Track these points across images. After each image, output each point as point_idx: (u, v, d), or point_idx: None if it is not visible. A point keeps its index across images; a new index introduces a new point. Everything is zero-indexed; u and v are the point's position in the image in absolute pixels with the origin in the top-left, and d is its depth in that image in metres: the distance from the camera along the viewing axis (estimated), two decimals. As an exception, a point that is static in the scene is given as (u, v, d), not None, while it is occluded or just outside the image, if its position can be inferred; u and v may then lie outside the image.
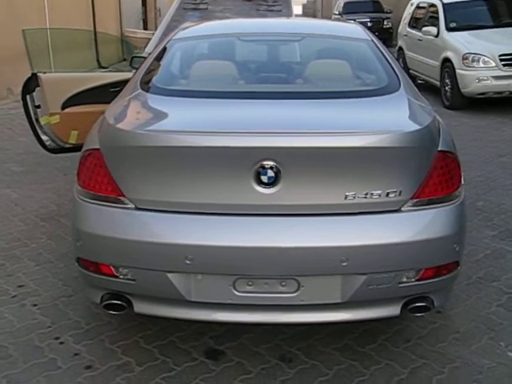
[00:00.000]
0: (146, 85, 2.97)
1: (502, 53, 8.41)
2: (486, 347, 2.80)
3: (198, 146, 2.30)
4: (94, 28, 12.61)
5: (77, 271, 2.67)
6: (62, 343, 2.84)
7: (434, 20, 10.10)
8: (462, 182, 2.57)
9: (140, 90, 2.90)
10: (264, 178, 2.28)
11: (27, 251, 3.87)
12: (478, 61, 8.55)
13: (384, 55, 3.23)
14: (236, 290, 2.38)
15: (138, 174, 2.38)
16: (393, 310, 2.50)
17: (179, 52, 3.48)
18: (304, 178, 2.31)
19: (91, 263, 2.49)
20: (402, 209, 2.38)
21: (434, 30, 9.76)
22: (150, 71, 3.14)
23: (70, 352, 2.77)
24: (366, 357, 2.73)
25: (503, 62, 8.38)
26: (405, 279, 2.40)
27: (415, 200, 2.38)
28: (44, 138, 4.68)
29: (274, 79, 3.27)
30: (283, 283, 2.37)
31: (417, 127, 2.44)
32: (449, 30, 9.49)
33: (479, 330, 2.94)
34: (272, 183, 2.29)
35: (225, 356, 2.75)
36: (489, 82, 8.44)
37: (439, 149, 2.47)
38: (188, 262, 2.30)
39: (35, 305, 3.19)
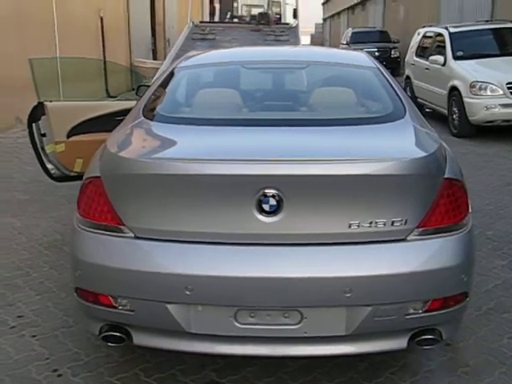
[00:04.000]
0: (148, 112, 2.95)
1: (509, 81, 8.40)
2: (498, 382, 2.70)
3: (199, 173, 2.26)
4: (104, 58, 12.77)
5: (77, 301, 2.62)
6: (59, 375, 2.78)
7: (440, 49, 10.14)
8: (470, 210, 2.52)
9: (142, 118, 2.89)
10: (266, 207, 2.23)
11: (29, 280, 3.82)
12: (486, 89, 8.54)
13: (389, 82, 3.20)
14: (237, 321, 2.31)
15: (138, 202, 2.34)
16: (399, 343, 2.41)
17: (183, 80, 3.48)
18: (307, 207, 2.26)
19: (90, 293, 2.44)
20: (408, 238, 2.31)
21: (440, 58, 9.79)
22: (154, 99, 3.13)
23: (67, 385, 2.71)
24: (372, 391, 2.65)
25: (511, 90, 8.37)
26: (411, 311, 2.32)
27: (421, 229, 2.32)
28: (49, 166, 4.67)
29: (278, 107, 3.25)
30: (286, 315, 2.30)
31: (423, 154, 2.39)
32: (456, 58, 9.51)
33: (490, 363, 2.85)
34: (274, 212, 2.24)
35: (226, 390, 2.67)
36: (497, 109, 8.41)
37: (445, 176, 2.42)
38: (188, 292, 2.24)
39: (34, 336, 3.13)
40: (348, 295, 2.22)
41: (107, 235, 2.38)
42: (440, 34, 10.40)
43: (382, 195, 2.27)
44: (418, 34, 11.80)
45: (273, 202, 2.22)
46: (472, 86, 8.66)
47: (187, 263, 2.27)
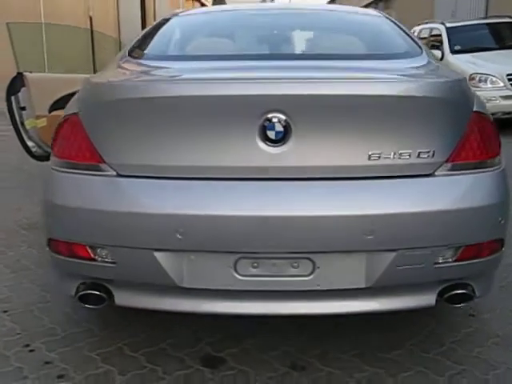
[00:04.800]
0: (136, 53, 2.62)
1: (509, 72, 8.19)
2: (533, 351, 2.37)
3: (190, 95, 1.92)
4: (93, 55, 12.47)
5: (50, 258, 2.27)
6: (31, 351, 2.42)
7: (437, 45, 9.95)
8: (501, 150, 2.20)
9: (128, 57, 2.56)
10: (271, 134, 1.90)
11: (4, 259, 3.47)
12: (486, 81, 8.30)
13: (401, 28, 2.92)
14: (238, 272, 1.97)
15: (121, 134, 2.01)
16: (427, 299, 2.07)
17: (176, 24, 3.12)
18: (319, 134, 1.92)
19: (64, 244, 2.09)
20: (436, 173, 1.99)
21: (438, 53, 9.56)
22: (142, 42, 2.80)
23: (40, 360, 2.34)
24: (392, 363, 2.30)
25: (512, 82, 8.15)
26: (441, 259, 1.99)
27: (451, 164, 2.00)
28: (30, 143, 4.31)
29: (286, 45, 2.92)
30: (295, 264, 1.96)
31: (450, 79, 2.08)
32: (453, 52, 9.32)
33: (521, 334, 2.52)
34: (280, 140, 1.90)
35: (225, 364, 2.31)
36: (497, 101, 8.15)
37: (475, 109, 2.11)
38: (179, 236, 1.90)
39: (5, 311, 2.77)
40: (369, 237, 1.88)
41: (86, 175, 2.04)
42: (436, 30, 10.23)
43: (407, 122, 1.95)
44: (414, 32, 11.60)
45: (279, 128, 1.89)
46: (472, 78, 8.40)
47: (178, 202, 1.93)
